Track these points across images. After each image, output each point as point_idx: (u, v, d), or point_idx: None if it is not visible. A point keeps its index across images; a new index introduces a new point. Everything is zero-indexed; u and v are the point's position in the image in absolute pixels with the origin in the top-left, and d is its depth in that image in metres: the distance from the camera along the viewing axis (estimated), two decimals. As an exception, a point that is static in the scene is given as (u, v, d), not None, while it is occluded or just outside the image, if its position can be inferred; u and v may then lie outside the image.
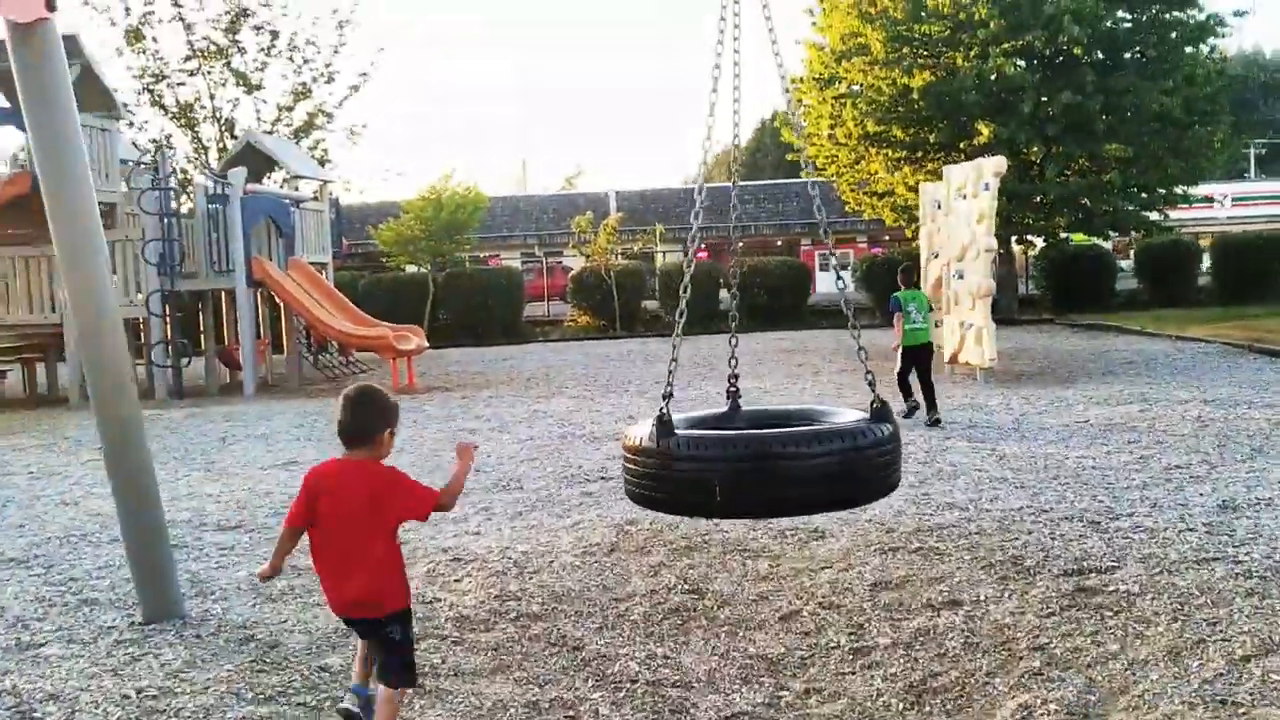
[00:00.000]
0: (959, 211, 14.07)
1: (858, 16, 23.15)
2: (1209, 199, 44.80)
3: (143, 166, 16.91)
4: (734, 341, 5.60)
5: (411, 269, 31.80)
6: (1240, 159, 54.01)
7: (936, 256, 16.26)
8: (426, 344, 16.95)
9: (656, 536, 6.47)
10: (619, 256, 28.23)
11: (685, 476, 4.20)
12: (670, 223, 35.09)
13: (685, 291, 5.10)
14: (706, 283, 28.15)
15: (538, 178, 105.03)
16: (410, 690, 3.94)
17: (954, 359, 14.31)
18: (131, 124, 26.46)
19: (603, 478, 8.31)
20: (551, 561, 6.07)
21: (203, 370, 17.76)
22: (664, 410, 4.47)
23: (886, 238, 48.64)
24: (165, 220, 15.96)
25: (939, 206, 16.00)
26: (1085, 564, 5.48)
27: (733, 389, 5.60)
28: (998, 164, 13.33)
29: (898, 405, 10.18)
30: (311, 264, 19.84)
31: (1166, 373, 13.84)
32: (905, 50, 22.61)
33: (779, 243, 46.90)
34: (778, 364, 17.36)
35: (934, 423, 10.31)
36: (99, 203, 15.50)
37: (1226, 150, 25.99)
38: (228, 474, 9.36)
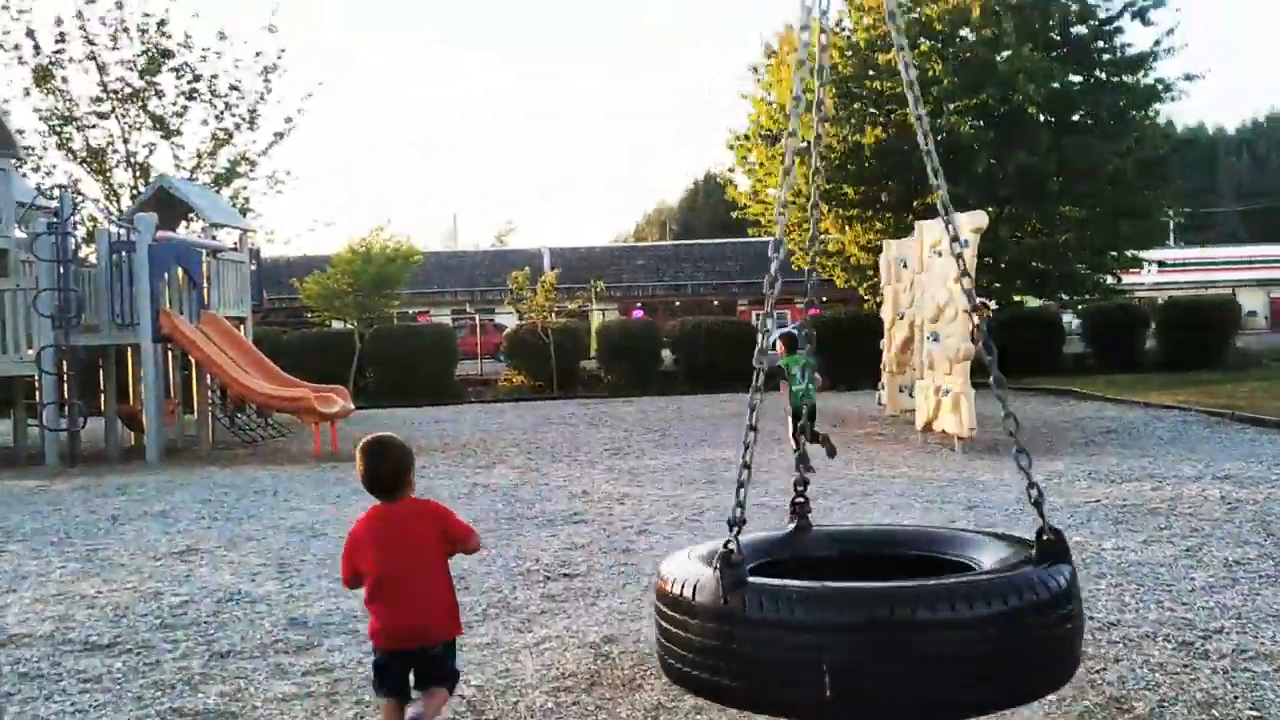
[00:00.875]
0: (934, 269, 13.05)
1: (807, 72, 22.33)
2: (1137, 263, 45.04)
3: (38, 209, 15.25)
4: (802, 430, 4.30)
5: (337, 325, 30.19)
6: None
7: (901, 317, 15.25)
8: (352, 406, 15.43)
9: (644, 663, 5.10)
10: (556, 314, 26.91)
11: (773, 655, 2.69)
12: (609, 280, 34.01)
13: (761, 357, 3.88)
14: (645, 344, 27.06)
15: (469, 233, 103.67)
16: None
17: (928, 426, 13.20)
18: (37, 168, 24.65)
19: (565, 574, 6.92)
20: (516, 703, 4.67)
21: (102, 433, 16.02)
22: (732, 546, 3.12)
23: (824, 298, 48.15)
24: (62, 268, 14.31)
25: (904, 265, 15.02)
26: (1223, 712, 4.22)
27: (800, 499, 4.30)
28: (976, 219, 12.35)
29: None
30: (229, 318, 18.24)
31: (1155, 444, 12.86)
32: (856, 106, 21.84)
33: (715, 303, 46.03)
34: (730, 428, 16.13)
35: (830, 452, 11.24)
36: None
37: (1175, 213, 25.59)
38: (111, 565, 7.77)
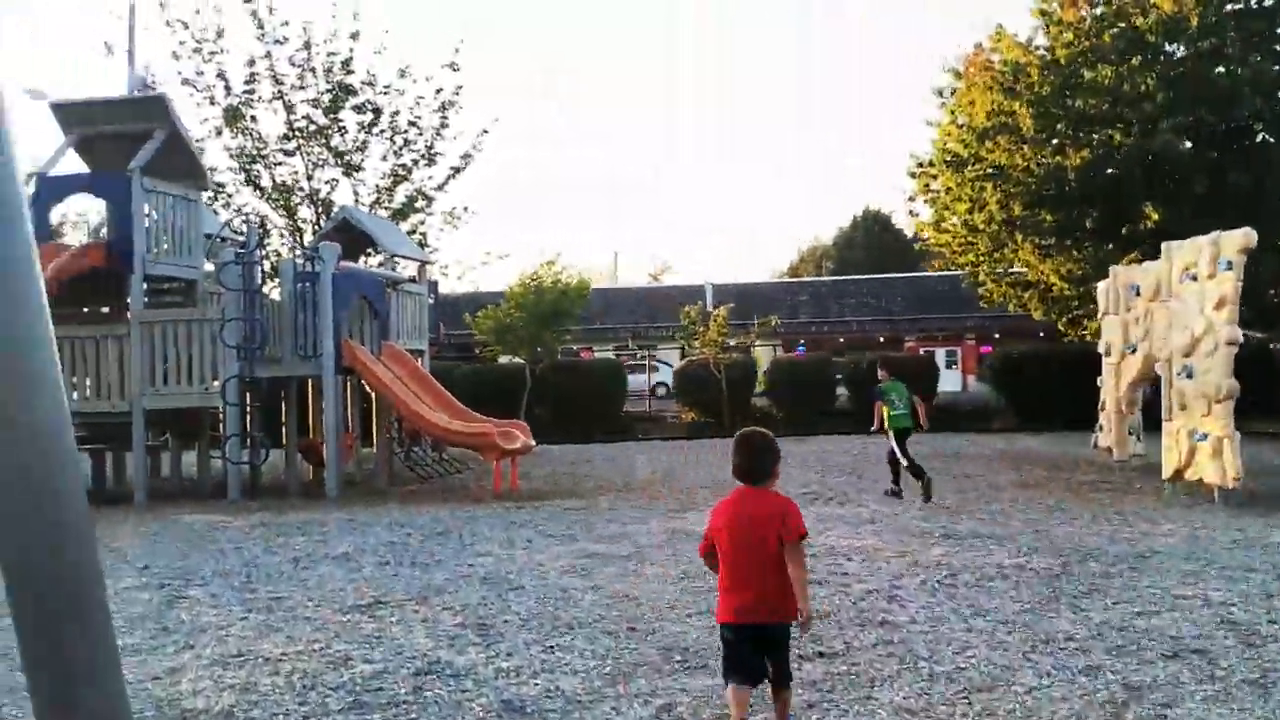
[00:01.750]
0: (1187, 296, 11.35)
1: (1001, 92, 20.72)
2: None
3: (226, 241, 14.93)
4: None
5: (505, 359, 29.71)
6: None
7: (1133, 351, 13.50)
8: (533, 443, 14.54)
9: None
10: (726, 350, 25.74)
11: None
12: (771, 315, 32.59)
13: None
14: (819, 379, 25.62)
15: (627, 272, 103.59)
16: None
17: (1177, 475, 11.45)
18: (227, 205, 24.90)
19: (820, 653, 5.65)
20: None
21: (282, 466, 15.55)
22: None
23: (997, 335, 45.61)
24: (248, 297, 13.89)
25: (1136, 292, 13.30)
26: None
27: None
28: (1244, 237, 10.63)
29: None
30: (410, 351, 17.69)
31: None
32: (1059, 127, 20.07)
33: (880, 339, 44.05)
34: (940, 476, 14.58)
35: (893, 493, 12.17)
36: (175, 279, 13.28)
37: None
38: (295, 619, 6.88)
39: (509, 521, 11.14)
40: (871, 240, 78.11)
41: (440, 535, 10.34)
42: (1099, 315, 15.74)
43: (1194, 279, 11.20)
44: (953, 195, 22.33)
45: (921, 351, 41.14)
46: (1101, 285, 15.38)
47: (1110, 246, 20.69)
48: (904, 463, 12.04)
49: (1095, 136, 19.78)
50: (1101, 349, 15.49)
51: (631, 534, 10.02)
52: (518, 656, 5.76)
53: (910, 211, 25.79)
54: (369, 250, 19.08)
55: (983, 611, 6.40)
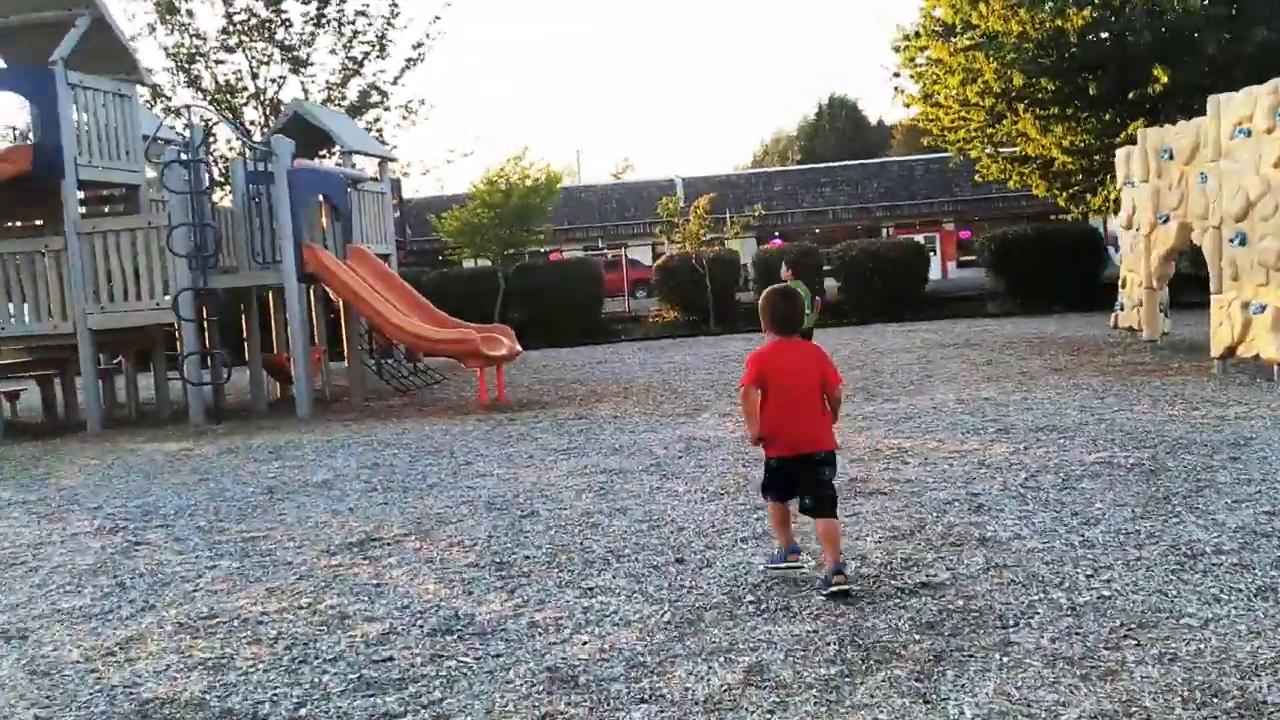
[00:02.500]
0: (1240, 155, 10.29)
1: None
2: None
3: (167, 143, 13.46)
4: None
5: (470, 264, 28.43)
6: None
7: (1165, 221, 12.50)
8: (519, 348, 13.43)
9: None
10: (710, 244, 24.57)
11: None
12: (744, 207, 31.30)
13: None
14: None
15: (589, 170, 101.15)
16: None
17: (1229, 352, 10.54)
18: (168, 109, 23.18)
19: (924, 584, 4.66)
20: None
21: (248, 385, 14.38)
22: None
23: (976, 218, 44.61)
24: (196, 201, 12.54)
25: (1169, 157, 12.24)
26: None
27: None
28: (1307, 86, 9.54)
29: None
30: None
31: None
32: (1062, -17, 18.73)
33: (858, 227, 42.96)
34: (948, 363, 13.64)
35: None
36: (115, 184, 11.93)
37: None
38: (275, 565, 5.82)
39: (505, 435, 10.08)
40: (840, 129, 76.58)
41: (430, 454, 9.27)
42: (1118, 185, 14.71)
43: (1248, 135, 10.13)
44: (944, 67, 21.01)
45: (918, 238, 40.12)
46: (1122, 153, 14.30)
47: (1113, 115, 19.57)
48: None
49: (1098, -5, 18.45)
50: (1120, 222, 14.49)
51: (645, 444, 8.99)
52: (552, 604, 4.73)
53: (896, 88, 24.38)
54: (325, 150, 17.64)
55: (1091, 519, 5.44)
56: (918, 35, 22.57)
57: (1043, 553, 4.91)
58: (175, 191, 12.41)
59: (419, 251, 37.26)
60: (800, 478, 4.66)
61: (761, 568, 5.00)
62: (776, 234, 42.57)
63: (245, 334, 14.40)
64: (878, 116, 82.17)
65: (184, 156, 12.58)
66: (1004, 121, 20.60)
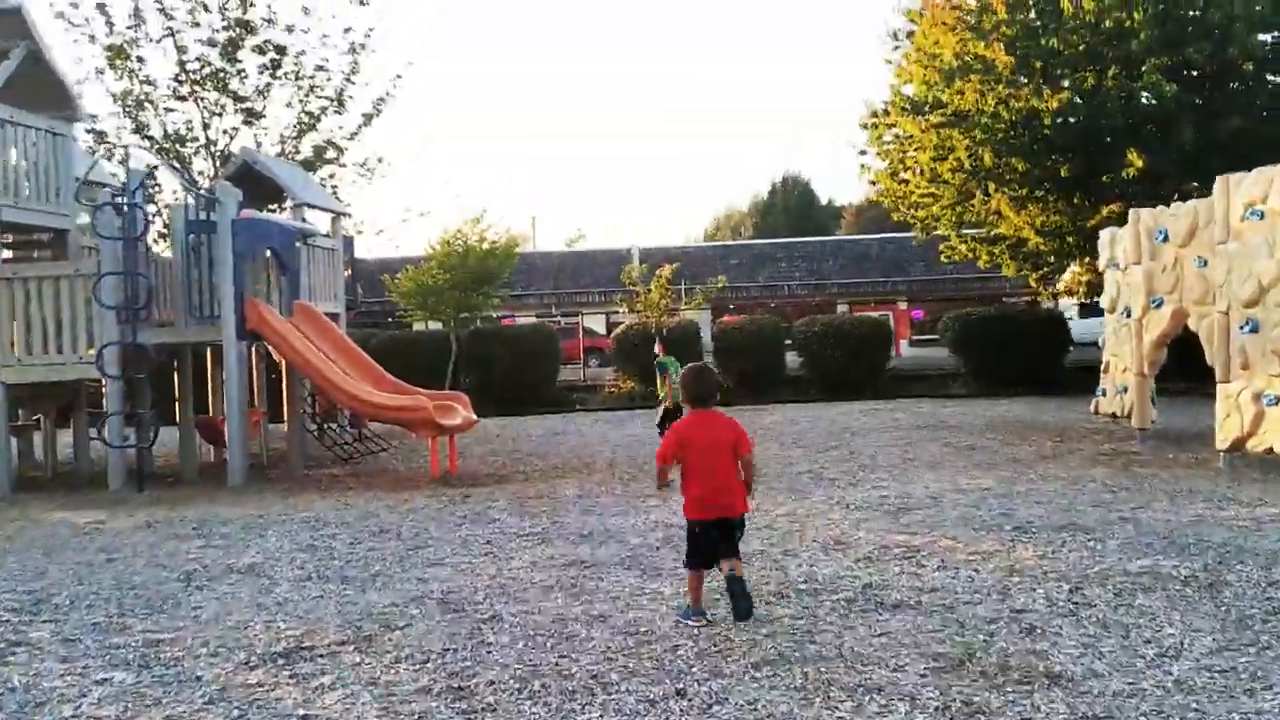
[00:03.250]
0: (1251, 237, 9.65)
1: (969, 30, 18.98)
2: None
3: (100, 186, 12.38)
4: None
5: (422, 326, 27.33)
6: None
7: (1158, 305, 11.86)
8: (474, 417, 12.38)
9: None
10: (672, 314, 23.75)
11: None
12: (700, 279, 30.59)
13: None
14: (769, 346, 23.78)
15: (544, 238, 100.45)
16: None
17: (1237, 446, 9.80)
18: (110, 156, 22.00)
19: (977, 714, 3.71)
20: None
21: (177, 447, 13.16)
22: None
23: (930, 297, 44.43)
24: (128, 248, 11.45)
25: (1164, 238, 11.65)
26: None
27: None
28: (1330, 166, 8.95)
29: None
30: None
31: None
32: (1037, 65, 18.39)
33: (814, 301, 42.56)
34: (927, 445, 12.82)
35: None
36: (42, 228, 10.76)
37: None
38: (180, 683, 4.71)
39: (459, 515, 9.02)
40: (792, 206, 76.92)
41: (375, 536, 8.19)
42: (1100, 266, 14.13)
43: (1261, 216, 9.51)
44: (915, 143, 20.57)
45: (883, 313, 39.70)
46: (1106, 234, 13.75)
47: (1082, 198, 19.20)
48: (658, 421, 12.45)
49: (1075, 77, 18.12)
50: (1105, 304, 13.89)
51: (617, 530, 7.99)
52: (530, 752, 3.70)
53: (862, 165, 23.95)
54: (276, 203, 16.61)
55: (1170, 650, 4.54)
56: (886, 112, 22.23)
57: (1133, 698, 3.98)
58: (106, 237, 11.32)
59: (369, 313, 36.12)
60: (718, 541, 5.25)
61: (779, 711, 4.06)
62: (731, 307, 42.03)
63: (177, 394, 13.20)
64: (828, 196, 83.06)
65: (118, 200, 11.51)
66: (974, 200, 20.14)
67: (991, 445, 12.63)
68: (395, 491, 10.70)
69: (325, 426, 14.73)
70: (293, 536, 8.24)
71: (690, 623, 5.22)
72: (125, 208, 11.41)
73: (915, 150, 20.59)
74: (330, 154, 23.44)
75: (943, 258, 23.08)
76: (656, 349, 13.39)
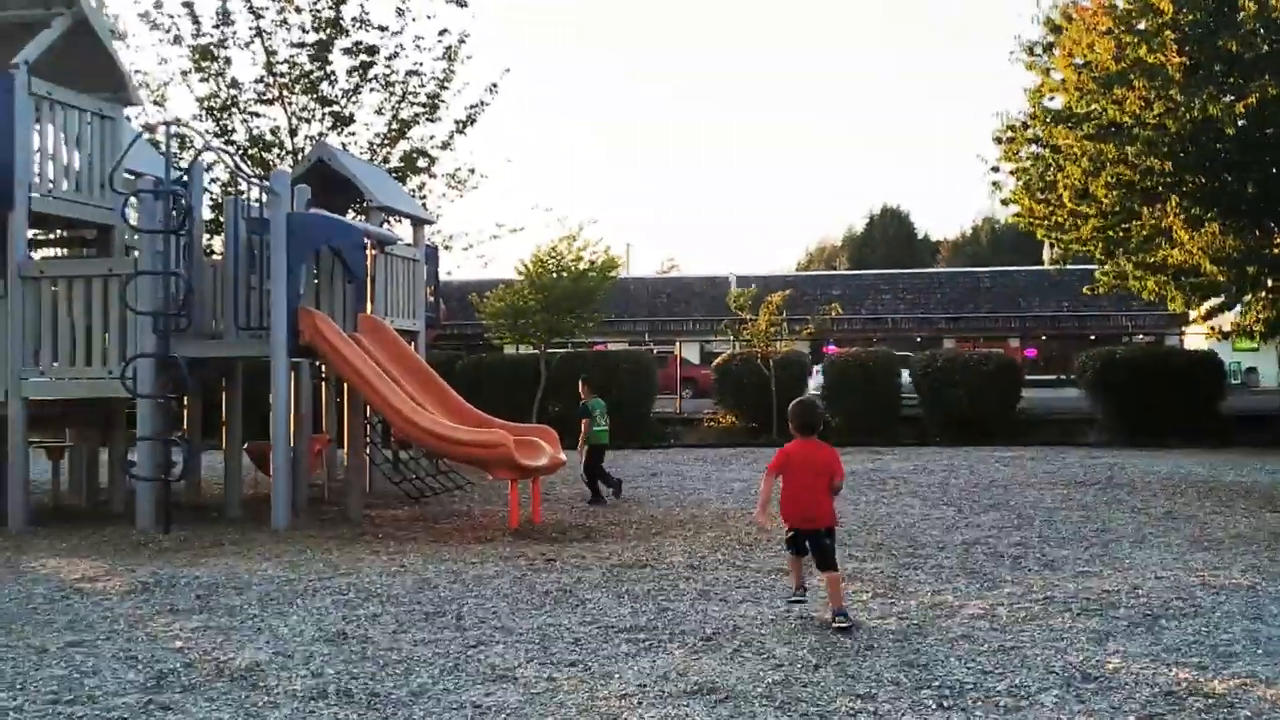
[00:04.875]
0: None
1: (1129, 32, 16.35)
2: None
3: (138, 176, 10.51)
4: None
5: (511, 350, 25.38)
6: None
7: None
8: (563, 457, 10.19)
9: None
10: (779, 343, 21.39)
11: None
12: (799, 309, 28.10)
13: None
14: (884, 381, 21.23)
15: (638, 265, 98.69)
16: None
17: None
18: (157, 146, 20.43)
19: None
20: None
21: (223, 477, 11.22)
22: None
23: (1044, 336, 41.22)
24: (165, 245, 9.56)
25: None
26: None
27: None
28: None
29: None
30: (398, 332, 13.43)
31: None
32: (1216, 69, 15.71)
33: (918, 339, 39.73)
34: (1110, 510, 10.24)
35: (595, 500, 11.31)
36: (84, 223, 8.67)
37: None
38: None
39: (538, 590, 6.79)
40: (890, 239, 73.82)
41: (429, 621, 6.01)
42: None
43: None
44: (1064, 156, 17.93)
45: (1013, 349, 36.76)
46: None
47: (1266, 220, 16.41)
48: (597, 478, 11.67)
49: (1259, 84, 15.36)
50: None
51: (749, 629, 5.70)
52: None
53: (994, 184, 21.36)
54: (352, 206, 14.73)
55: None
56: (1025, 126, 19.67)
57: None
58: (140, 230, 9.45)
59: (460, 335, 34.45)
60: (810, 544, 5.94)
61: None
62: (829, 340, 39.42)
63: (225, 416, 11.28)
64: (923, 230, 79.70)
65: (160, 182, 9.62)
66: (1136, 221, 17.41)
67: (1193, 513, 10.01)
68: (464, 547, 8.54)
69: (399, 459, 12.70)
70: (320, 617, 6.10)
71: (792, 600, 6.13)
72: (161, 194, 9.50)
73: (1066, 163, 17.93)
74: (421, 163, 21.63)
75: (1091, 290, 20.27)
76: (583, 389, 12.45)
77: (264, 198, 9.96)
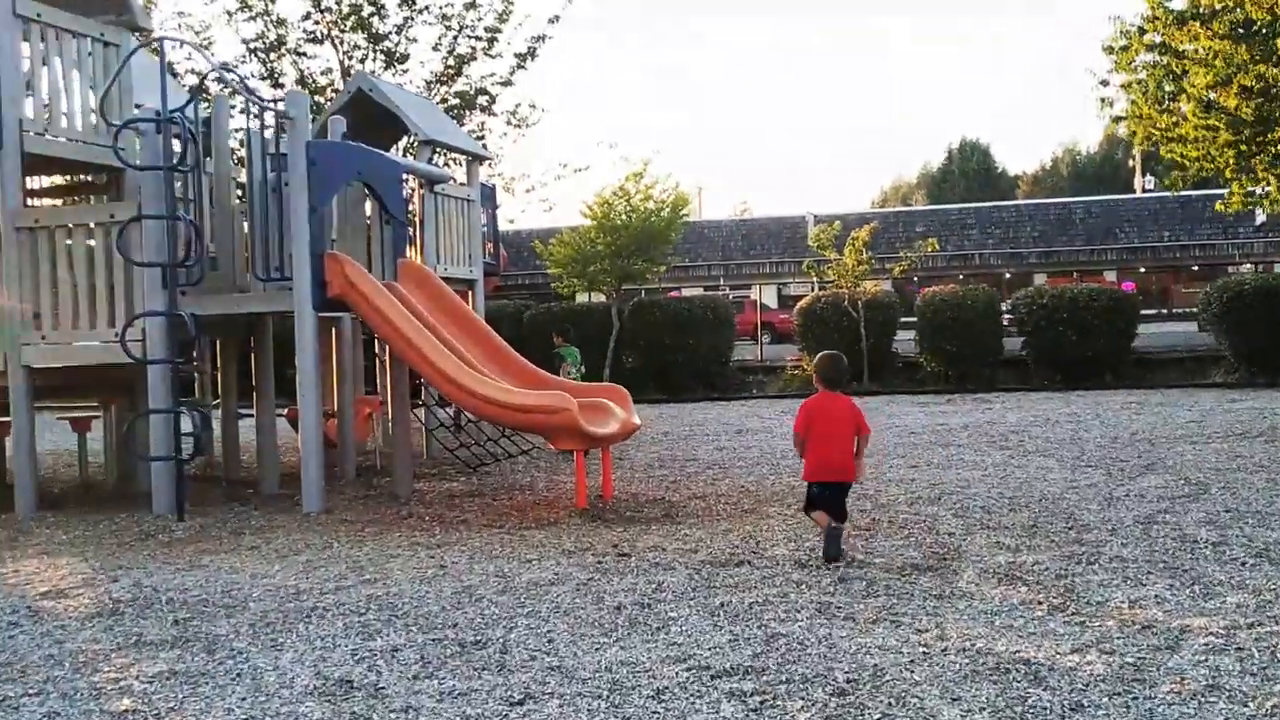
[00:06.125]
0: None
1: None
2: None
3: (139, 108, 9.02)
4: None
5: (583, 298, 23.86)
6: None
7: None
8: (637, 421, 8.54)
9: None
10: (869, 282, 19.47)
11: None
12: (880, 249, 25.91)
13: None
14: (984, 322, 19.19)
15: (710, 210, 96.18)
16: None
17: None
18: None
19: None
20: None
21: (255, 447, 9.84)
22: None
23: (1143, 269, 38.45)
24: (170, 183, 8.08)
25: None
26: None
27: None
28: None
29: None
30: (451, 281, 11.92)
31: None
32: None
33: (1008, 274, 37.27)
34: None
35: None
36: (89, 165, 7.31)
37: None
38: None
39: (607, 599, 5.21)
40: (970, 174, 70.42)
41: (458, 655, 4.46)
42: None
43: None
44: (1192, 60, 15.60)
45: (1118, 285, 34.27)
46: None
47: None
48: None
49: None
50: None
51: (892, 670, 4.04)
52: None
53: (1102, 99, 19.00)
54: (398, 144, 13.17)
55: None
56: (1142, 31, 17.29)
57: None
58: (137, 168, 7.98)
59: (523, 285, 33.01)
60: (831, 500, 5.89)
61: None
62: (915, 279, 37.08)
63: (255, 378, 9.87)
64: (1001, 165, 75.98)
65: (160, 112, 8.11)
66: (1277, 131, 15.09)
67: None
68: (521, 534, 6.99)
69: (459, 421, 11.22)
70: (324, 653, 4.58)
71: (832, 528, 5.82)
72: (161, 122, 7.99)
73: (1194, 66, 15.60)
74: (481, 99, 19.99)
75: (1220, 206, 17.91)
76: (556, 339, 12.43)
77: (280, 129, 8.39)
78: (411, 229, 10.59)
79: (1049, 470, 8.83)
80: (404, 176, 9.74)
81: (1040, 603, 4.98)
